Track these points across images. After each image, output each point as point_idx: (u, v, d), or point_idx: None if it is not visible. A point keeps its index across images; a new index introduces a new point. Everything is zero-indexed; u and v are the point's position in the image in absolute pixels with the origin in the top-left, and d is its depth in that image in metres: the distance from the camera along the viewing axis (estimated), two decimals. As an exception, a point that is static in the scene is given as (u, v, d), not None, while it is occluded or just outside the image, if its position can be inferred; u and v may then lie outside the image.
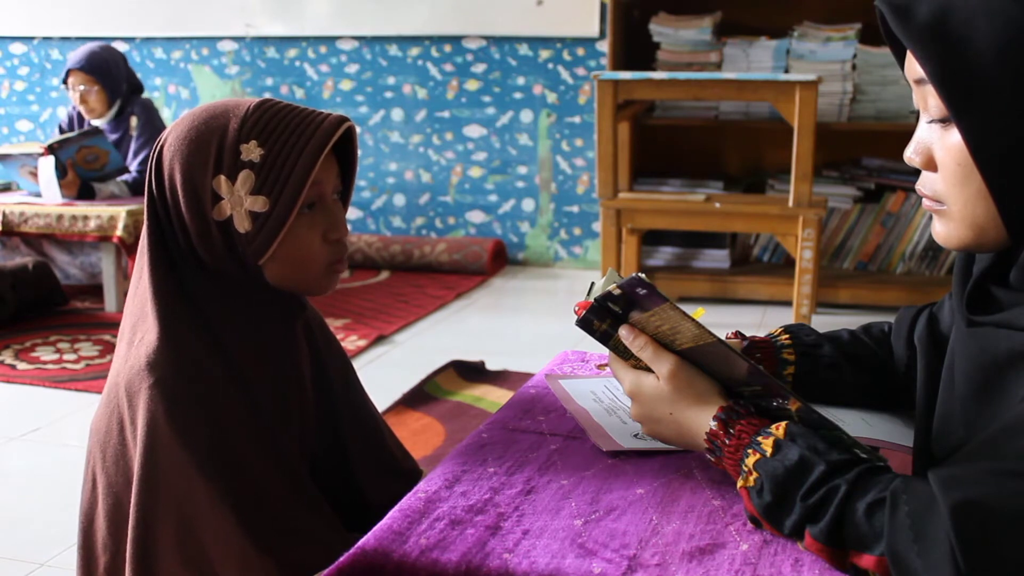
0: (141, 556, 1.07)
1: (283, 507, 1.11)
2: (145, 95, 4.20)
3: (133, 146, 4.00)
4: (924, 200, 0.90)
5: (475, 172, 4.76)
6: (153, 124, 4.01)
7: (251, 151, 1.10)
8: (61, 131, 4.15)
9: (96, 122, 4.04)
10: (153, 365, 1.08)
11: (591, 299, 0.99)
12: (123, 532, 1.10)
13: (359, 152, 1.23)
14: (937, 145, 0.86)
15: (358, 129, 4.81)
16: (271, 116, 1.11)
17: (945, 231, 0.88)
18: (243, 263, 1.13)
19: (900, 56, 0.90)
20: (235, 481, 1.07)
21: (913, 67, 0.86)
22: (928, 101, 0.86)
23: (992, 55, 0.79)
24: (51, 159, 3.77)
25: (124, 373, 1.11)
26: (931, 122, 0.87)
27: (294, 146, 1.10)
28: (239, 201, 1.10)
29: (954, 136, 0.83)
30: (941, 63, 0.81)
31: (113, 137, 4.00)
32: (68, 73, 3.92)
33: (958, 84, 0.81)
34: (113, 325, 3.61)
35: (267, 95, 4.94)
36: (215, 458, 1.07)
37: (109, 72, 3.93)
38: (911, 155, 0.89)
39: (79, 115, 4.11)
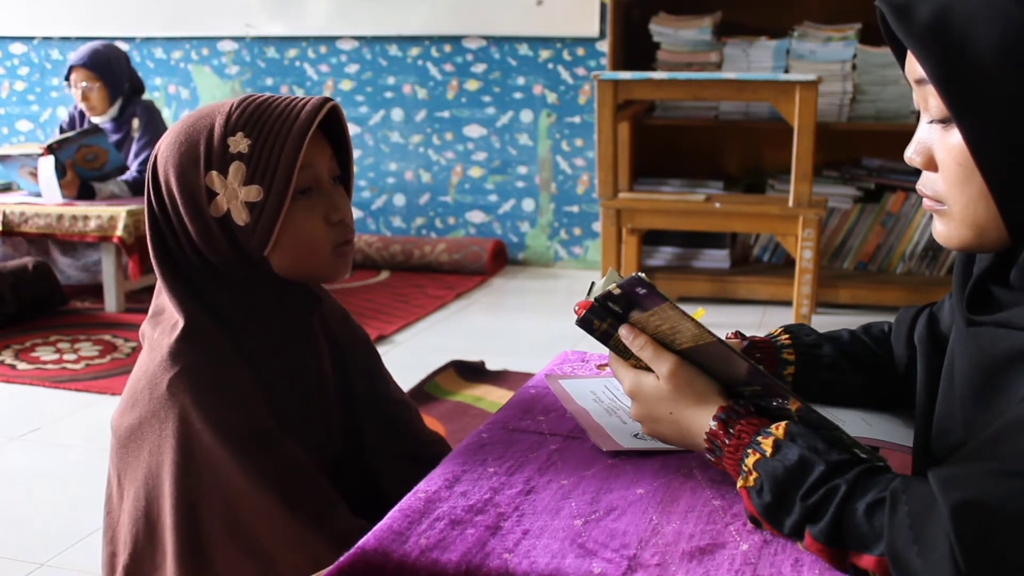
0: (191, 543, 1.07)
1: (318, 485, 1.12)
2: (146, 96, 4.21)
3: (135, 147, 4.01)
4: (925, 200, 0.90)
5: (475, 172, 4.76)
6: (155, 125, 4.02)
7: (239, 143, 1.11)
8: (61, 131, 4.15)
9: (97, 120, 4.05)
10: (176, 355, 1.10)
11: (591, 299, 0.99)
12: (140, 526, 1.11)
13: (352, 137, 1.24)
14: (938, 145, 0.86)
15: (358, 128, 4.82)
16: (255, 108, 1.13)
17: (946, 231, 0.88)
18: (248, 258, 1.13)
19: (901, 56, 0.90)
20: (269, 461, 1.08)
21: (914, 67, 0.86)
22: (929, 101, 0.86)
23: (993, 55, 0.79)
24: (51, 159, 3.77)
25: (143, 366, 1.13)
26: (932, 122, 0.87)
27: (280, 131, 1.11)
28: (233, 194, 1.11)
29: (955, 136, 0.83)
30: (942, 63, 0.81)
31: (115, 138, 4.01)
32: (71, 70, 3.94)
33: (959, 84, 0.81)
34: (113, 325, 3.61)
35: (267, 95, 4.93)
36: (247, 439, 1.08)
37: (111, 70, 3.95)
38: (911, 155, 0.89)
39: (80, 114, 4.12)
